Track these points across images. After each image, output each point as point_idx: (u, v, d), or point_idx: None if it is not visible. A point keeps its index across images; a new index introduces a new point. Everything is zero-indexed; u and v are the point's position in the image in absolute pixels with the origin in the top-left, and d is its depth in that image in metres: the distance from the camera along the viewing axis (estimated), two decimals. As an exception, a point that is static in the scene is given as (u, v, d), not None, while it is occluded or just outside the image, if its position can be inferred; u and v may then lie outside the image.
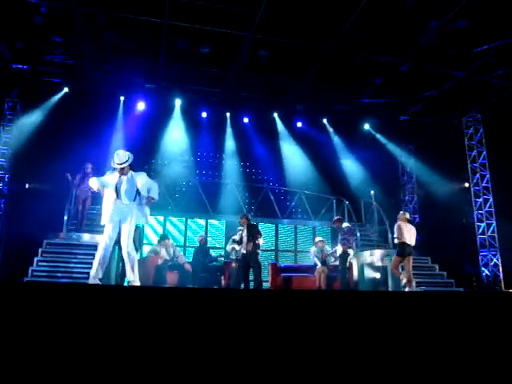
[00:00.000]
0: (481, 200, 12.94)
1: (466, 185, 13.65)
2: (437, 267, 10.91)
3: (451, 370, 2.39)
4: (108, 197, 5.83)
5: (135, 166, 6.16)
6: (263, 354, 2.23)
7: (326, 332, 2.48)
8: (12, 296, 2.42)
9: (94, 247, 9.04)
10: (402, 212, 9.26)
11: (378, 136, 14.92)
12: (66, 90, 12.60)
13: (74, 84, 12.52)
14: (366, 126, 14.70)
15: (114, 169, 5.91)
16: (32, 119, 12.28)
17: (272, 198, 13.08)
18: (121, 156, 5.90)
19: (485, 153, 13.11)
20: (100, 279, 5.68)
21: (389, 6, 9.25)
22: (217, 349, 2.20)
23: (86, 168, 10.21)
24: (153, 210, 11.50)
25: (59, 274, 8.24)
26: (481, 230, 12.81)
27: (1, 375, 1.91)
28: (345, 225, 9.86)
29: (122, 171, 5.89)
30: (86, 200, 10.35)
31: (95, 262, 5.69)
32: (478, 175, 13.08)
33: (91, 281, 5.64)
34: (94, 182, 5.86)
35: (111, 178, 5.88)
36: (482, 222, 12.81)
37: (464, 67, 11.23)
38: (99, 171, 9.71)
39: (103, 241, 5.73)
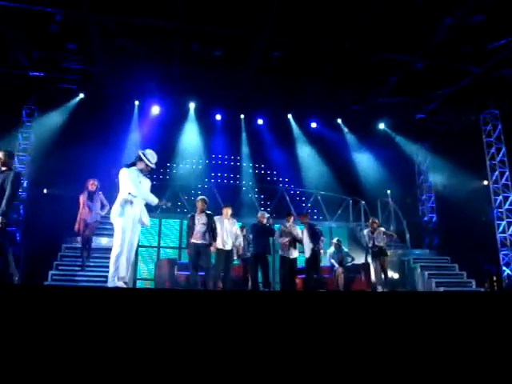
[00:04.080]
0: (500, 198, 12.72)
1: (485, 182, 13.44)
2: (456, 267, 10.77)
3: (471, 373, 2.34)
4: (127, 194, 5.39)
5: (152, 170, 5.97)
6: (279, 360, 2.21)
7: (342, 333, 2.45)
8: (33, 300, 2.44)
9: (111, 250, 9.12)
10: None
11: (394, 135, 14.79)
12: (81, 95, 12.75)
13: (89, 90, 12.67)
14: (382, 126, 14.59)
15: (130, 165, 5.55)
16: (49, 125, 12.45)
17: (288, 199, 13.05)
18: (155, 156, 5.62)
19: (504, 149, 12.88)
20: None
21: (402, 3, 9.17)
22: (226, 354, 2.19)
23: (91, 185, 8.38)
24: (169, 213, 11.68)
25: (78, 278, 8.32)
26: (501, 229, 12.59)
27: (20, 378, 1.92)
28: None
29: (148, 171, 5.64)
30: (92, 227, 8.45)
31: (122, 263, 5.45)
32: (496, 172, 12.86)
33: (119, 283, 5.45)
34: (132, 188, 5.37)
35: (136, 176, 5.47)
36: (502, 220, 12.59)
37: (480, 63, 11.06)
38: (108, 182, 9.28)
39: (125, 240, 5.34)
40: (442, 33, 10.02)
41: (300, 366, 2.18)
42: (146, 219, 5.56)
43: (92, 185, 8.35)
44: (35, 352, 2.02)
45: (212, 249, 7.52)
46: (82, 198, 8.35)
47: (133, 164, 5.57)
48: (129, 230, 5.33)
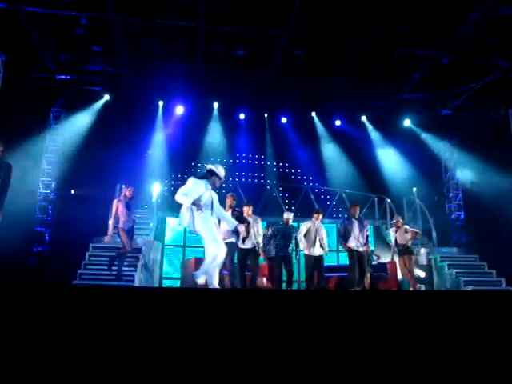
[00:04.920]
0: (531, 194, 12.38)
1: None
2: (485, 265, 10.54)
3: (503, 373, 2.29)
4: (203, 209, 5.47)
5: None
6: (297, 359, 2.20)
7: (366, 333, 2.42)
8: (62, 299, 2.49)
9: (138, 250, 9.24)
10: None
11: (420, 132, 14.57)
12: (106, 97, 12.95)
13: (114, 91, 12.87)
14: (407, 122, 14.38)
15: (201, 178, 5.71)
16: (75, 127, 12.69)
17: (312, 197, 12.98)
18: (224, 170, 5.83)
19: (534, 144, 12.52)
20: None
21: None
22: (241, 352, 2.18)
23: (129, 192, 8.25)
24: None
25: (106, 277, 8.44)
26: (532, 226, 12.25)
27: (51, 374, 1.96)
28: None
29: (219, 186, 5.84)
30: (131, 233, 8.34)
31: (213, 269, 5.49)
32: (527, 168, 12.50)
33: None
34: (185, 199, 5.44)
35: (204, 190, 5.57)
36: (532, 217, 12.26)
37: (508, 56, 10.77)
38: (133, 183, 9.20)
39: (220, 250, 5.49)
40: (468, 26, 9.79)
41: (311, 366, 2.16)
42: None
43: (130, 192, 8.23)
44: (65, 347, 2.06)
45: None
46: (117, 205, 8.10)
47: (203, 177, 5.71)
48: (215, 231, 5.57)
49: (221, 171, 5.72)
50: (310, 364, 2.14)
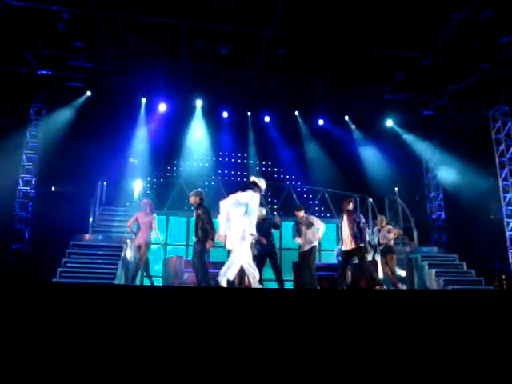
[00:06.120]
0: (510, 195, 12.59)
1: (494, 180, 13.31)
2: (465, 265, 10.68)
3: (478, 371, 2.32)
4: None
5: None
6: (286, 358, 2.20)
7: (347, 332, 2.43)
8: (41, 297, 2.45)
9: (119, 248, 9.16)
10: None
11: (402, 132, 14.72)
12: (88, 93, 12.80)
13: (97, 87, 12.73)
14: (389, 123, 14.53)
15: (247, 189, 6.00)
16: (56, 123, 12.51)
17: (295, 196, 12.99)
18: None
19: (513, 146, 12.76)
20: None
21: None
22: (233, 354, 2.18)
23: (148, 205, 8.46)
24: (176, 210, 11.70)
25: (86, 275, 8.35)
26: (510, 227, 12.45)
27: (33, 370, 1.93)
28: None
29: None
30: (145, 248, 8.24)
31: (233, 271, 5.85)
32: (506, 170, 12.70)
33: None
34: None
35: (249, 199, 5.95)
36: (511, 218, 12.47)
37: (489, 59, 10.95)
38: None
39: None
40: (451, 29, 9.93)
41: (296, 365, 2.16)
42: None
43: (149, 204, 8.47)
44: (44, 345, 2.03)
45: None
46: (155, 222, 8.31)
47: (248, 187, 6.04)
48: None
49: (263, 185, 6.07)
50: (307, 361, 2.14)
